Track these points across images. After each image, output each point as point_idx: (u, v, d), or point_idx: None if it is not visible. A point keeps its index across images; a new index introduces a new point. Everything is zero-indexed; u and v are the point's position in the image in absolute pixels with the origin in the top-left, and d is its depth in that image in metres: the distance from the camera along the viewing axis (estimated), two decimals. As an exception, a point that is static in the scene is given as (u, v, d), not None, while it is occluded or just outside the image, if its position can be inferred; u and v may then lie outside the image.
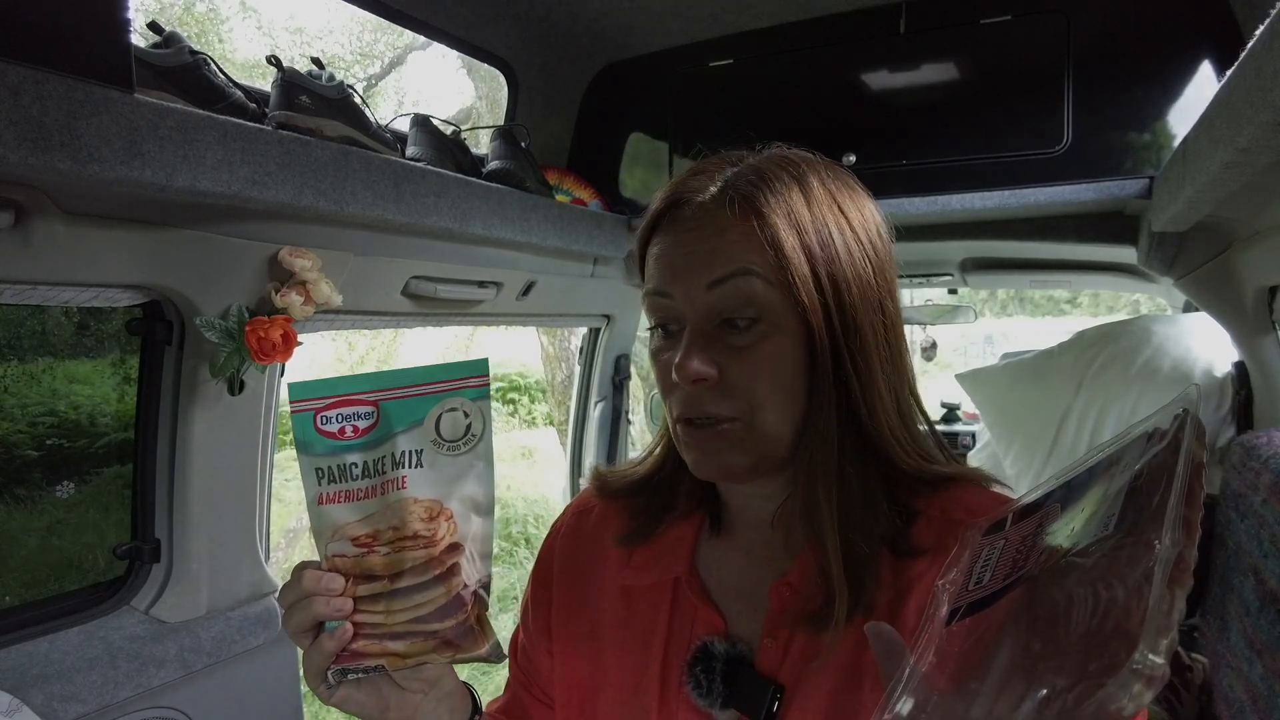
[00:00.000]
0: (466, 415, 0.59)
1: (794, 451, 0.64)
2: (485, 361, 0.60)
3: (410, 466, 0.58)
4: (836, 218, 0.63)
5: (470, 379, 0.59)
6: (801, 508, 0.65)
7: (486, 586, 0.60)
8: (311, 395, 0.58)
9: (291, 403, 0.58)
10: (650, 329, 0.68)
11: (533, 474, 7.13)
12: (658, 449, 0.76)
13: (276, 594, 1.41)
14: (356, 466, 0.58)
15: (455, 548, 0.58)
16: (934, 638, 0.45)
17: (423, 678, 0.63)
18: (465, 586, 0.58)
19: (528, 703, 0.80)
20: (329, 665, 0.58)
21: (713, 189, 0.64)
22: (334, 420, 0.57)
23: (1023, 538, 0.45)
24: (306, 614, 0.57)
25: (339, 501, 0.58)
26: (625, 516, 0.76)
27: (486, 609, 0.60)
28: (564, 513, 0.84)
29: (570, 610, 0.76)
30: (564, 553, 0.79)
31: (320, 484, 0.58)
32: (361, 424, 0.58)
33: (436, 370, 0.59)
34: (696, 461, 0.65)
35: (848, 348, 0.61)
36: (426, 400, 0.58)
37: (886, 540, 0.63)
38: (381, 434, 0.58)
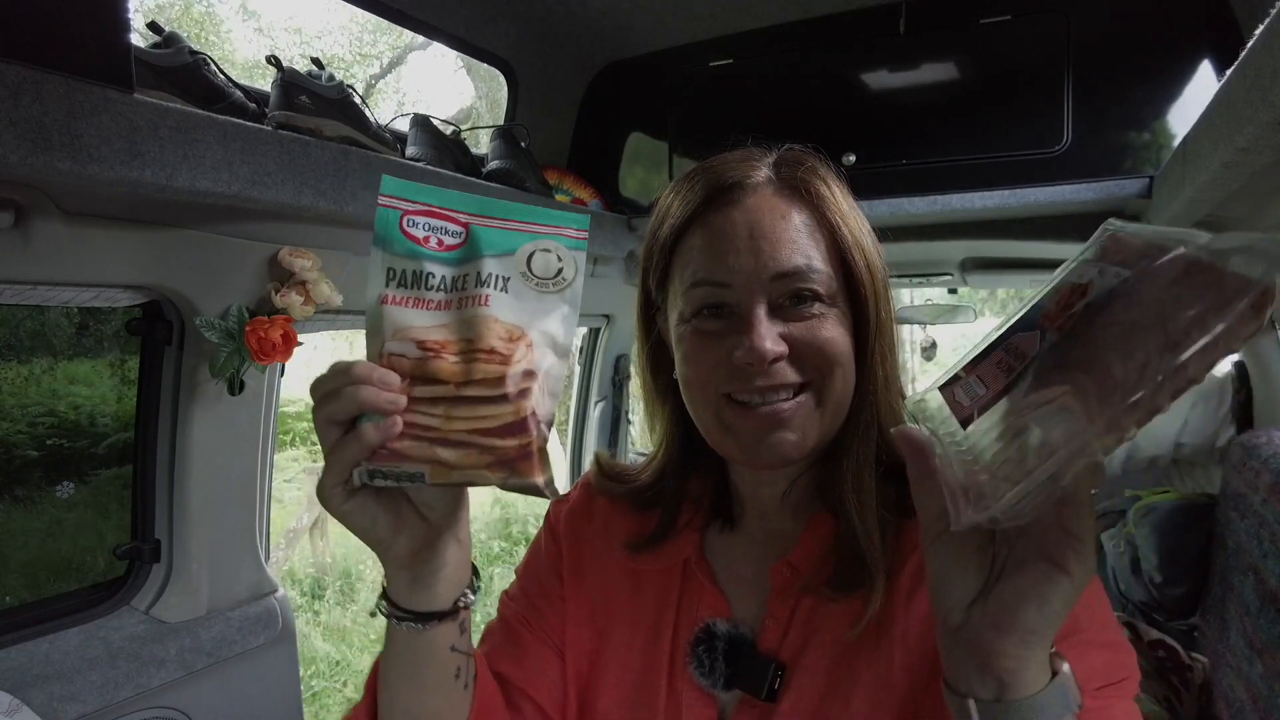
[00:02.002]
0: (560, 259, 0.57)
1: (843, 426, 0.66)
2: (588, 218, 0.59)
3: (495, 288, 0.56)
4: (858, 212, 0.67)
5: (570, 228, 0.57)
6: (824, 484, 0.67)
7: (550, 424, 0.57)
8: (404, 195, 0.55)
9: (381, 196, 0.55)
10: (689, 315, 0.65)
11: (533, 474, 7.12)
12: (656, 461, 0.76)
13: (277, 593, 1.42)
14: (435, 277, 0.56)
15: (530, 374, 0.55)
16: (963, 447, 0.46)
17: (446, 509, 0.59)
18: (533, 413, 0.55)
19: (528, 641, 0.75)
20: (361, 460, 0.52)
21: (764, 172, 0.65)
22: (421, 227, 0.56)
23: (999, 361, 0.48)
24: (350, 400, 0.51)
25: (407, 305, 0.55)
26: (632, 522, 0.76)
27: (545, 444, 0.56)
28: (574, 487, 0.84)
29: (578, 579, 0.76)
30: (570, 527, 0.79)
31: (388, 285, 0.55)
32: (449, 239, 0.56)
33: (539, 211, 0.57)
34: (752, 447, 0.63)
35: (879, 328, 0.65)
36: (522, 235, 0.57)
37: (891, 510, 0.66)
38: (469, 254, 0.56)
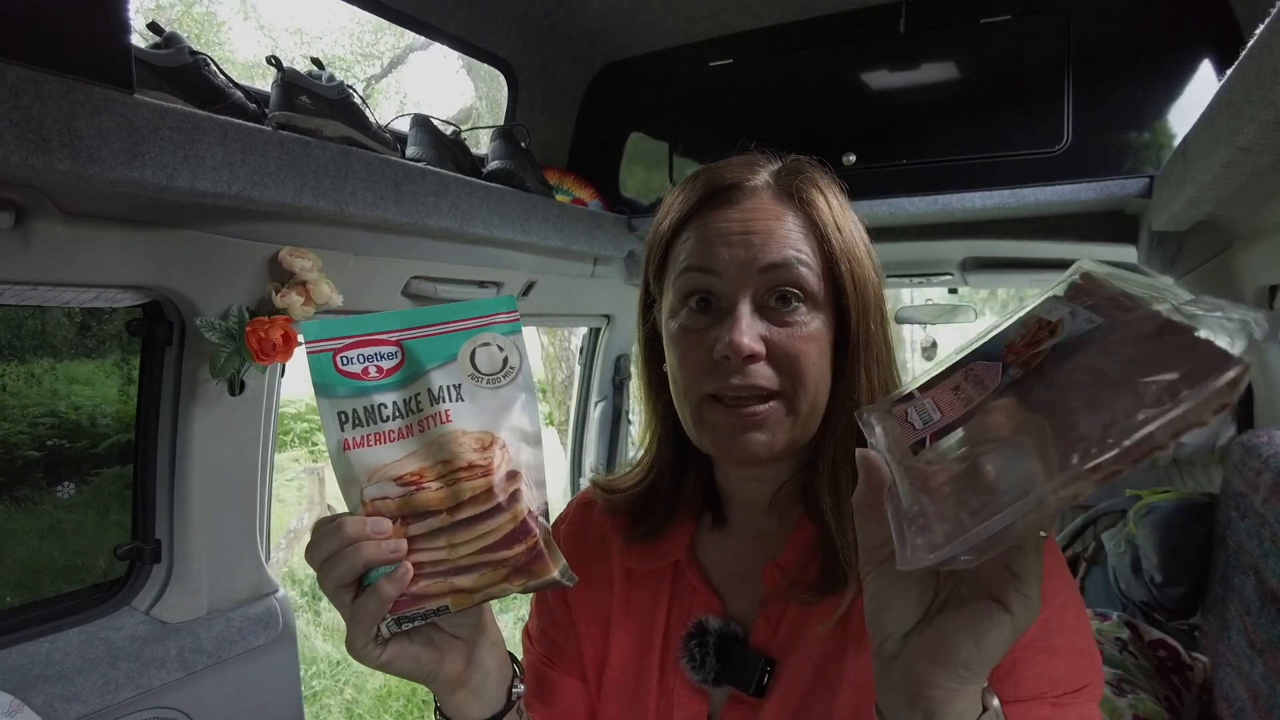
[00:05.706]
0: (501, 349, 0.57)
1: (817, 432, 0.67)
2: (513, 299, 0.59)
3: (451, 401, 0.56)
4: (856, 225, 0.69)
5: (499, 314, 0.58)
6: (806, 487, 0.69)
7: (545, 514, 0.58)
8: (328, 336, 0.55)
9: (307, 343, 0.55)
10: (678, 306, 0.67)
11: (533, 474, 7.13)
12: (647, 457, 0.77)
13: (278, 593, 1.42)
14: (387, 407, 0.55)
15: (514, 475, 0.56)
16: (913, 474, 0.46)
17: (475, 623, 0.60)
18: (529, 512, 0.56)
19: (554, 680, 0.79)
20: (385, 614, 0.53)
21: (764, 177, 0.68)
22: (355, 361, 0.55)
23: (956, 387, 0.48)
24: (353, 562, 0.51)
25: (369, 445, 0.55)
26: (629, 521, 0.77)
27: (550, 534, 0.58)
28: (568, 507, 0.86)
29: (584, 597, 0.78)
30: (568, 546, 0.80)
31: (344, 429, 0.54)
32: (385, 364, 0.56)
33: (463, 308, 0.58)
34: (726, 443, 0.64)
35: (865, 340, 0.66)
36: (456, 337, 0.57)
37: None
38: (411, 372, 0.56)
